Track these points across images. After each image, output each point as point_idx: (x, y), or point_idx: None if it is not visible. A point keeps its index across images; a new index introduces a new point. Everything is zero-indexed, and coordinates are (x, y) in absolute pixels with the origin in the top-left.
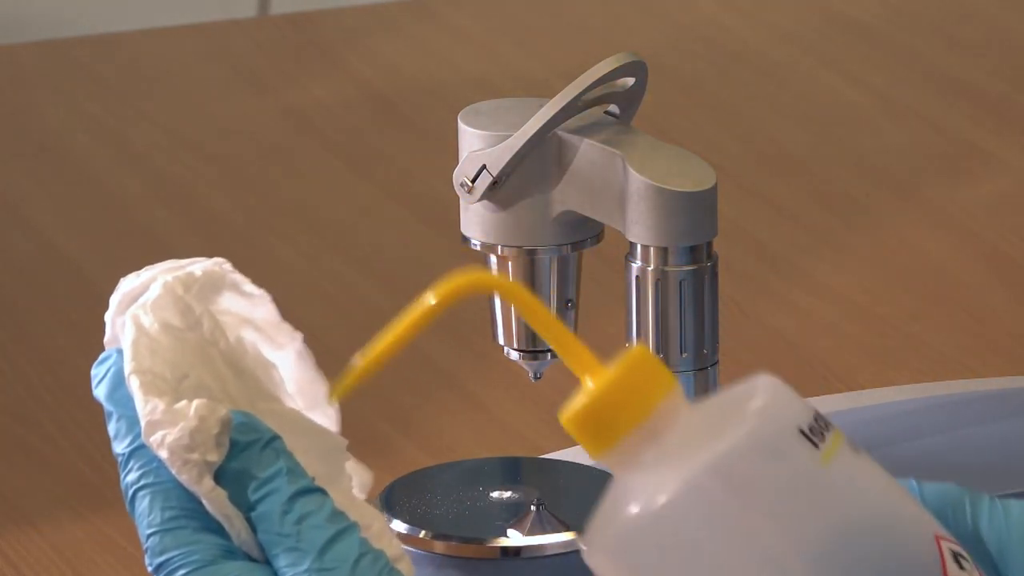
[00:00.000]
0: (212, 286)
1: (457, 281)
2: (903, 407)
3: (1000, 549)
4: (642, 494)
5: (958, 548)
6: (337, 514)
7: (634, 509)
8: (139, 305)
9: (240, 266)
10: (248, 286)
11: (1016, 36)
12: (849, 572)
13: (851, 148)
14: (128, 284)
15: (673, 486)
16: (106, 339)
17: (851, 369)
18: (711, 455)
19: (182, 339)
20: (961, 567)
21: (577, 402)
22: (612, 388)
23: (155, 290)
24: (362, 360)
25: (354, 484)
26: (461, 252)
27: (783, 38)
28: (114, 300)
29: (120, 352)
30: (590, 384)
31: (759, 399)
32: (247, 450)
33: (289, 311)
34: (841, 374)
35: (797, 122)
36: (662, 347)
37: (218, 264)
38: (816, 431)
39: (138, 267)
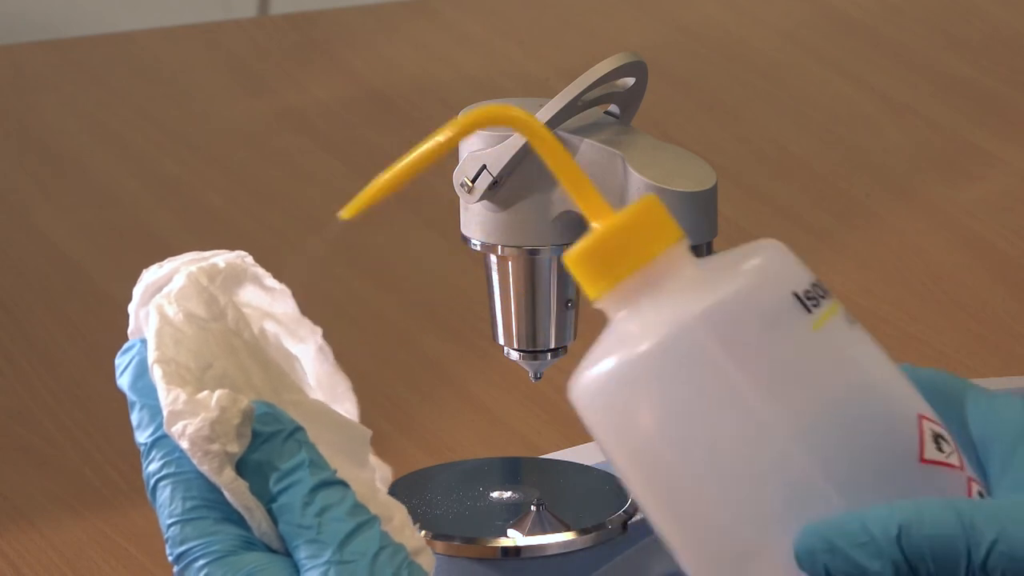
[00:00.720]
0: (235, 278)
1: (477, 112)
2: None
3: (983, 438)
4: (630, 338)
5: (940, 430)
6: (358, 507)
7: (620, 352)
8: (163, 295)
9: None
10: (270, 280)
11: (1016, 36)
12: (824, 435)
13: (851, 148)
14: (151, 275)
15: (659, 333)
16: (130, 329)
17: None
18: (699, 306)
19: (206, 329)
20: (940, 448)
21: (582, 241)
22: (617, 230)
23: (179, 280)
24: (379, 179)
25: (375, 477)
26: (461, 252)
27: (783, 38)
28: (137, 291)
29: (144, 342)
30: (597, 225)
31: (757, 259)
32: (269, 441)
33: None
34: None
35: (797, 122)
36: None
37: (240, 257)
38: (812, 297)
39: (138, 267)
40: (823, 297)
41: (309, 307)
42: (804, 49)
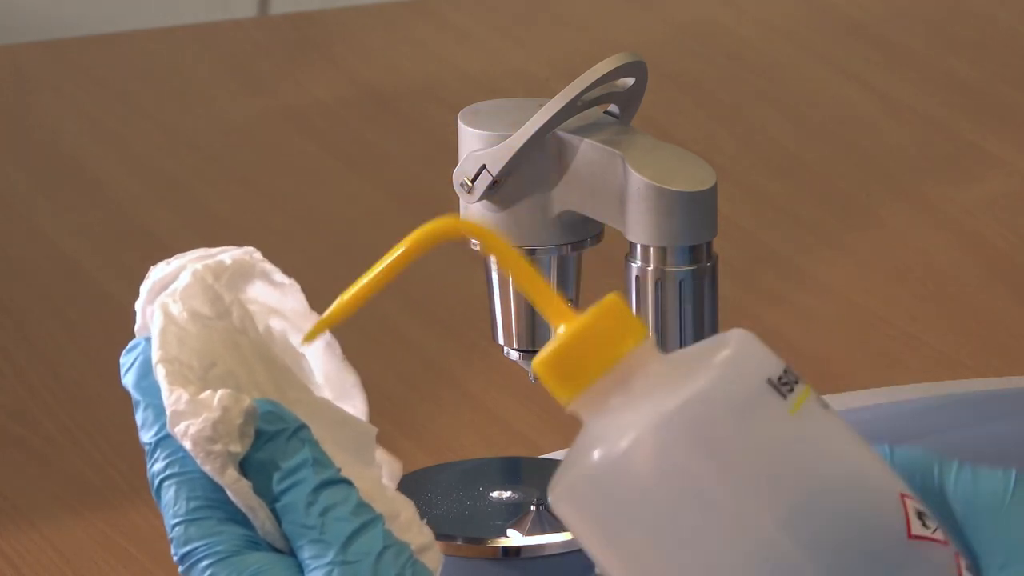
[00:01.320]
0: (242, 275)
1: (432, 227)
2: (903, 407)
3: (966, 514)
4: (605, 440)
5: (921, 507)
6: (362, 506)
7: (596, 454)
8: (168, 293)
9: None
10: (278, 275)
11: (1016, 36)
12: (810, 521)
13: (851, 148)
14: (158, 272)
15: (634, 432)
16: (136, 327)
17: (851, 369)
18: (674, 402)
19: (211, 328)
20: (925, 524)
21: (548, 347)
22: (582, 334)
23: (185, 278)
24: (336, 304)
25: (384, 474)
26: (461, 252)
27: (783, 38)
28: (144, 288)
29: (148, 341)
30: (561, 330)
31: (727, 350)
32: (273, 440)
33: None
34: (841, 374)
35: (797, 122)
36: (662, 347)
37: (248, 253)
38: (785, 383)
39: (138, 267)
40: (796, 382)
41: (310, 308)
42: (804, 49)
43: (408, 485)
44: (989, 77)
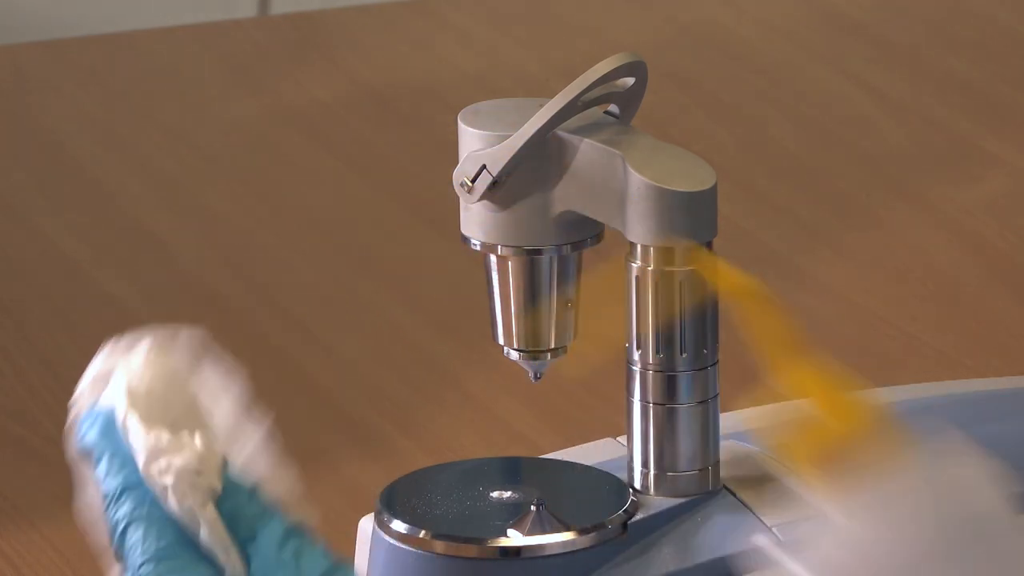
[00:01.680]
0: (191, 350)
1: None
2: (903, 407)
3: None
4: (863, 543)
5: None
6: (329, 549)
7: (858, 556)
8: (127, 360)
9: (239, 266)
10: (221, 369)
11: (1016, 36)
12: None
13: (851, 148)
14: (96, 367)
15: (896, 543)
16: (75, 413)
17: (851, 369)
18: (927, 516)
19: (170, 387)
20: None
21: (814, 431)
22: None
23: (141, 348)
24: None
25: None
26: (461, 252)
27: (784, 38)
28: (86, 379)
29: (100, 411)
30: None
31: (971, 467)
32: (237, 491)
33: (288, 310)
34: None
35: (797, 122)
36: (662, 347)
37: (193, 336)
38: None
39: (138, 267)
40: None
41: (311, 308)
42: (804, 49)
43: (408, 485)
44: (989, 77)
